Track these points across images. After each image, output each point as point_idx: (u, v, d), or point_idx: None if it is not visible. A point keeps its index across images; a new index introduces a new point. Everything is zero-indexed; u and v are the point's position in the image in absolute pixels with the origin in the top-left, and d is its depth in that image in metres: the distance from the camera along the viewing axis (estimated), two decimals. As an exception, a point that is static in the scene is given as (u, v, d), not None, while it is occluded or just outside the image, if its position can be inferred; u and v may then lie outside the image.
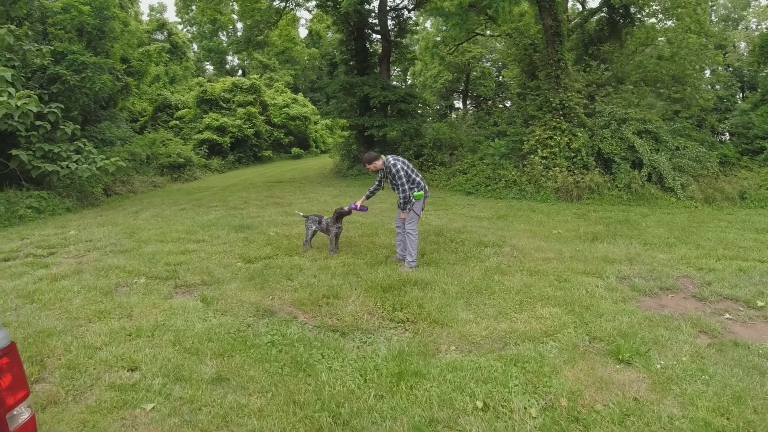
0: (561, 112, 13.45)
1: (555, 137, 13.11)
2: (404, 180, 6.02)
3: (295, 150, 33.50)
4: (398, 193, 6.13)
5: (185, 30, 54.60)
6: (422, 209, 6.34)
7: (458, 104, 45.93)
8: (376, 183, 6.53)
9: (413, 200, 6.14)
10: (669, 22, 20.26)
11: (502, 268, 6.31)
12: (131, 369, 3.70)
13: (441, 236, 7.95)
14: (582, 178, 12.43)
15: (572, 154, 13.00)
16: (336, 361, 3.86)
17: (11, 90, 9.75)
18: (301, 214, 7.53)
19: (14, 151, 11.59)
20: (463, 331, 4.42)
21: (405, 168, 6.08)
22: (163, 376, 3.57)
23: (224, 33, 54.84)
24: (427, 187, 6.33)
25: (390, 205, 11.23)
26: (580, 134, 13.08)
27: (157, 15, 47.78)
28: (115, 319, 4.63)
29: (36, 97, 10.18)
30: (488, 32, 27.44)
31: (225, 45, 35.08)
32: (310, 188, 15.58)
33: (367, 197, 6.69)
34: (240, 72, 52.87)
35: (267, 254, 6.87)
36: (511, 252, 7.15)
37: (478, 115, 27.67)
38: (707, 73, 23.40)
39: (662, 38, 20.23)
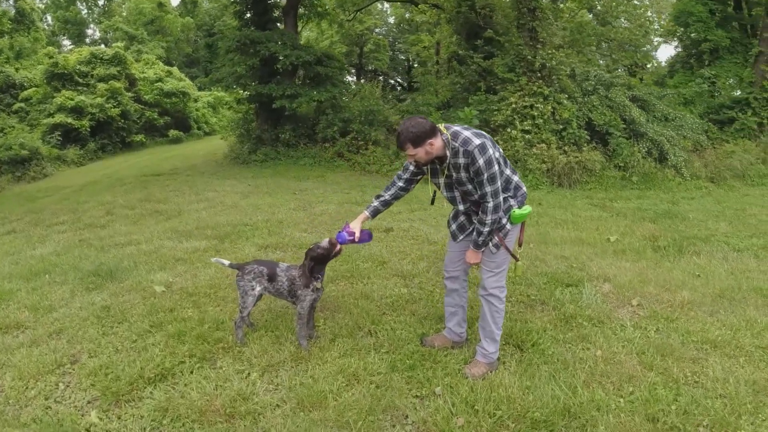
0: (539, 74, 10.35)
1: (537, 105, 9.97)
2: (499, 182, 2.38)
3: (173, 133, 27.60)
4: (483, 211, 2.43)
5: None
6: (519, 243, 2.66)
7: (349, 79, 42.84)
8: (402, 183, 2.72)
9: (507, 225, 2.50)
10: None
11: (663, 345, 2.92)
12: None
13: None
14: (577, 157, 9.49)
15: (559, 127, 10.01)
16: None
17: None
18: (226, 263, 3.21)
19: None
20: None
21: (497, 155, 2.42)
22: None
23: (83, 2, 46.55)
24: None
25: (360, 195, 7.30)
26: (565, 102, 10.13)
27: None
28: None
29: None
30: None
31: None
32: (204, 183, 10.97)
33: (375, 213, 2.79)
34: (103, 46, 44.58)
35: (154, 371, 2.68)
36: (620, 294, 3.79)
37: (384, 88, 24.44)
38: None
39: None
